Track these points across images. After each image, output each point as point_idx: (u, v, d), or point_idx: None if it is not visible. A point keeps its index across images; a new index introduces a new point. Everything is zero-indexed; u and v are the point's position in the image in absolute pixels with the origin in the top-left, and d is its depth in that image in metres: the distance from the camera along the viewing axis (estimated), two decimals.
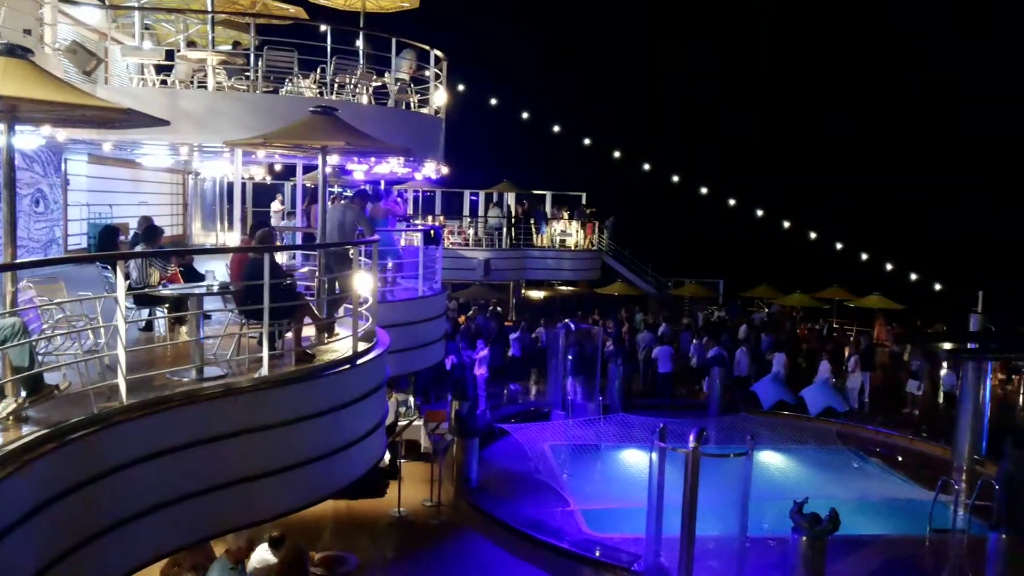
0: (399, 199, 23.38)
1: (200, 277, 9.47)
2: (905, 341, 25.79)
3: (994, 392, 20.65)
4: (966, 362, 16.79)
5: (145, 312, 8.66)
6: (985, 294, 21.12)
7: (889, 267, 33.04)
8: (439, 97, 15.86)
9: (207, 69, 12.92)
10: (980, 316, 18.57)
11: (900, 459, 17.96)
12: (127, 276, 7.17)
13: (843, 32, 64.70)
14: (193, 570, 8.72)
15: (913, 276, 32.28)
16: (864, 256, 33.92)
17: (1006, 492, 11.23)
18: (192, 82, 13.45)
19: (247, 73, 13.38)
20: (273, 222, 19.56)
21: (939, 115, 60.27)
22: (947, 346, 17.98)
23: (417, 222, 28.34)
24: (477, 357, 20.29)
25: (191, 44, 15.14)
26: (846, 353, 24.37)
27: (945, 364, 21.27)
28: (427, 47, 15.03)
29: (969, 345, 17.56)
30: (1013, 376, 26.19)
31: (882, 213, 55.50)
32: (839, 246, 34.68)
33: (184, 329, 8.29)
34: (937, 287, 31.00)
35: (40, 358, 6.16)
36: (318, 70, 14.00)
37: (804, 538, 10.44)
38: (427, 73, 15.51)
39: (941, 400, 22.30)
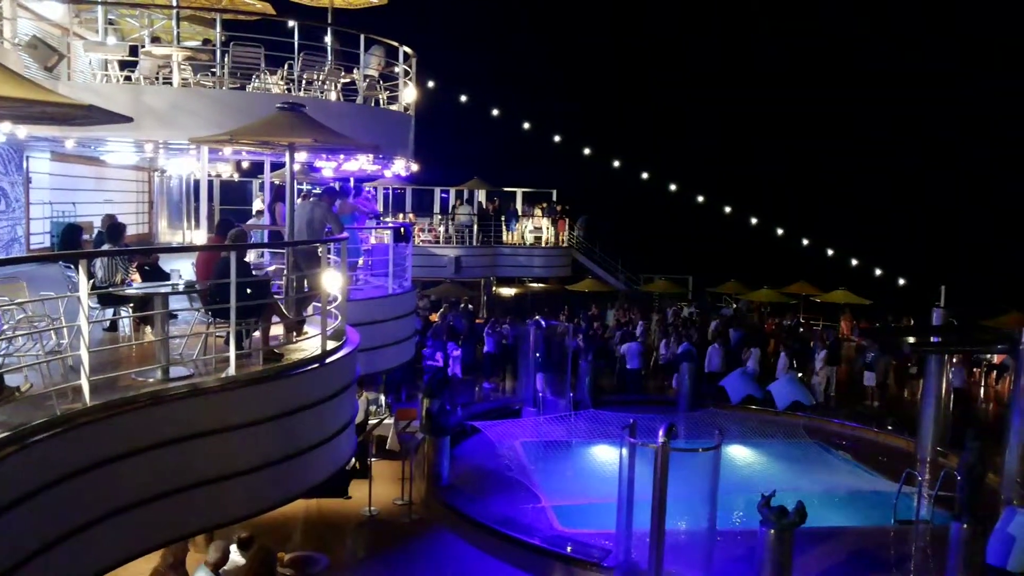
0: (369, 195, 23.29)
1: (165, 276, 9.36)
2: (869, 335, 26.18)
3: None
4: (929, 355, 17.08)
5: (109, 312, 8.55)
6: (948, 289, 21.53)
7: (855, 262, 33.60)
8: (408, 94, 15.80)
9: (172, 65, 12.75)
10: (943, 310, 18.90)
11: (865, 452, 18.23)
12: (90, 275, 7.08)
13: (814, 29, 65.42)
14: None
15: (878, 271, 32.86)
16: (830, 252, 34.47)
17: (967, 483, 11.44)
18: (157, 78, 13.26)
19: (213, 69, 13.23)
20: (253, 221, 19.38)
21: (903, 111, 61.19)
22: (910, 340, 18.27)
23: (387, 220, 28.25)
24: (453, 355, 20.29)
25: (156, 40, 14.93)
26: (813, 347, 24.67)
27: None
28: (396, 43, 14.96)
29: (932, 339, 17.87)
30: (974, 369, 26.72)
31: (848, 210, 56.21)
32: (805, 242, 35.19)
33: (149, 329, 8.19)
34: (901, 282, 31.56)
35: (1, 359, 6.06)
36: (285, 66, 13.88)
37: (772, 531, 10.56)
38: (396, 70, 15.44)
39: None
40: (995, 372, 25.13)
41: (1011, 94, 53.52)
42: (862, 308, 31.91)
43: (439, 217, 32.59)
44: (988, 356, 25.21)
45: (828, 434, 19.33)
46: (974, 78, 59.60)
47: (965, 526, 11.00)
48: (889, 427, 19.86)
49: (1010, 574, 11.11)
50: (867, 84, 63.33)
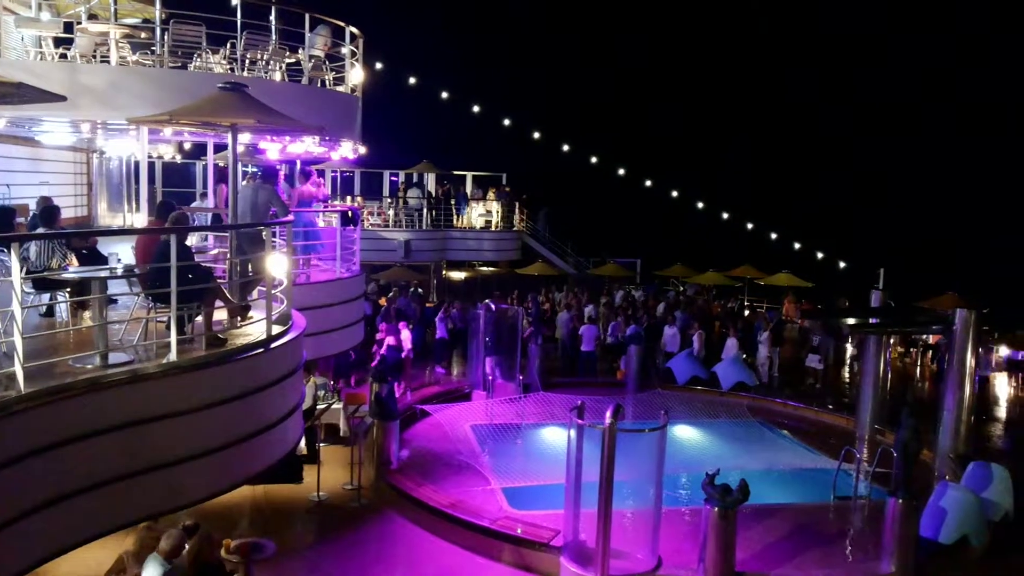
0: (320, 180, 22.99)
1: (104, 260, 9.13)
2: (811, 317, 26.83)
3: (893, 364, 21.74)
4: (868, 336, 17.57)
5: (46, 297, 8.32)
6: (886, 271, 22.16)
7: (797, 246, 34.35)
8: (355, 75, 15.61)
9: (110, 43, 12.39)
10: (881, 292, 19.44)
11: (807, 431, 18.70)
12: (24, 259, 6.87)
13: (767, 23, 66.30)
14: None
15: (820, 255, 33.64)
16: (773, 235, 35.16)
17: (902, 459, 11.82)
18: (94, 56, 12.87)
19: (153, 48, 12.90)
20: (197, 204, 18.97)
21: (846, 105, 62.55)
22: (850, 321, 18.75)
23: (335, 203, 27.92)
24: (402, 340, 20.18)
25: (93, 17, 14.47)
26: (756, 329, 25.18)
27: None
28: (342, 23, 14.74)
29: (870, 320, 18.37)
30: (911, 349, 27.60)
31: (789, 193, 57.28)
32: (750, 226, 35.82)
33: (87, 314, 8.00)
34: (842, 265, 32.37)
35: None
36: (228, 45, 13.59)
37: (716, 508, 10.78)
38: (342, 50, 15.22)
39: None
40: (931, 352, 25.98)
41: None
42: (805, 290, 32.64)
43: (388, 200, 32.35)
44: (924, 336, 26.03)
45: (771, 414, 19.78)
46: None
47: (900, 501, 11.36)
48: (829, 406, 20.42)
49: (942, 546, 11.58)
50: (815, 73, 64.48)
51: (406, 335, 20.08)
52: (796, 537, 12.51)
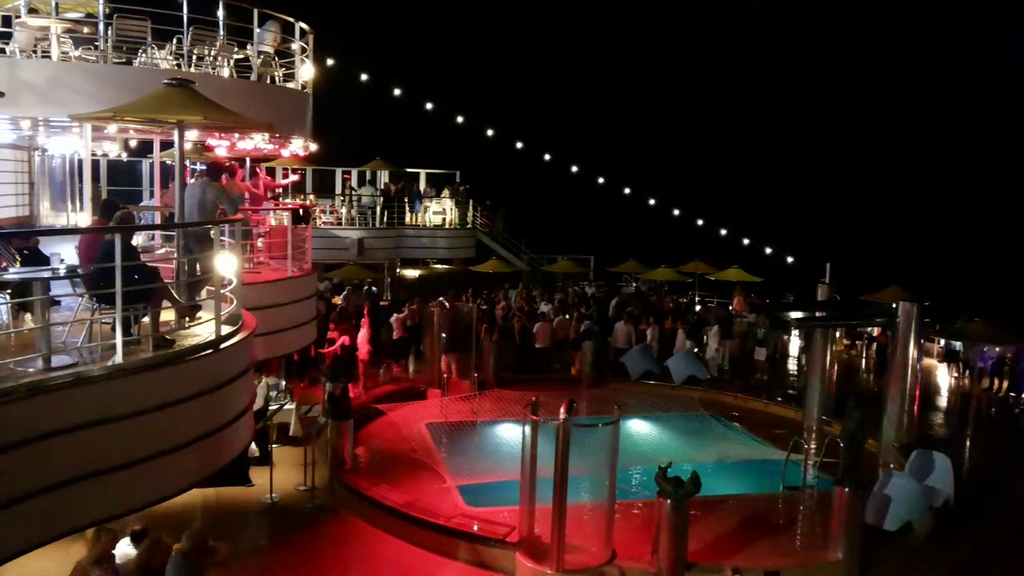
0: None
1: (46, 260, 8.91)
2: (760, 311, 27.33)
3: (839, 357, 22.25)
4: (814, 329, 17.95)
5: None
6: (832, 266, 22.68)
7: (746, 241, 34.92)
8: (306, 71, 15.42)
9: (51, 38, 12.07)
10: (827, 286, 19.89)
11: (756, 422, 19.06)
12: None
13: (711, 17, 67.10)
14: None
15: (768, 250, 34.26)
16: (723, 231, 35.70)
17: (849, 449, 12.12)
18: (35, 51, 12.52)
19: (96, 43, 12.59)
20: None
21: (790, 97, 63.64)
22: (796, 314, 19.14)
23: (287, 200, 27.57)
24: (356, 339, 20.03)
25: (33, 11, 14.06)
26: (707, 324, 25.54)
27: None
28: (292, 19, 14.56)
29: (816, 313, 18.78)
30: (857, 342, 28.27)
31: (739, 190, 58.15)
32: (700, 222, 36.32)
33: (29, 316, 7.79)
34: (790, 260, 33.03)
35: None
36: (174, 41, 13.33)
37: (668, 501, 10.94)
38: (293, 47, 15.04)
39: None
40: (875, 345, 26.63)
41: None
42: (754, 285, 33.19)
43: (341, 198, 32.06)
44: (869, 329, 26.70)
45: (722, 406, 20.12)
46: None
47: (847, 490, 11.66)
48: (778, 399, 20.83)
49: (887, 532, 11.91)
50: (760, 65, 65.48)
51: (363, 334, 19.96)
52: (747, 527, 12.76)
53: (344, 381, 16.13)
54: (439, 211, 31.98)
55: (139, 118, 9.28)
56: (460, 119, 36.24)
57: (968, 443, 17.71)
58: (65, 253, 9.95)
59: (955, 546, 12.56)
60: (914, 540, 12.18)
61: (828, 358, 18.28)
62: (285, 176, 27.33)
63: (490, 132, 36.58)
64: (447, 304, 21.56)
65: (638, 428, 17.76)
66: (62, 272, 7.67)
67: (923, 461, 12.89)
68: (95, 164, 19.12)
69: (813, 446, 16.24)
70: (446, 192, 33.17)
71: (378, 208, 30.38)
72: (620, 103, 66.11)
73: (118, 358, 6.77)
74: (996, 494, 15.25)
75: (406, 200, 31.15)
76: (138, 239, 12.32)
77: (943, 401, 22.49)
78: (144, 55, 13.09)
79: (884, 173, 58.50)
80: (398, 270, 36.10)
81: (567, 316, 25.04)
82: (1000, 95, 58.66)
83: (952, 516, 12.78)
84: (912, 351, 15.92)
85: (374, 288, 31.17)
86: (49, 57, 12.14)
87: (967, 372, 23.52)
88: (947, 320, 23.86)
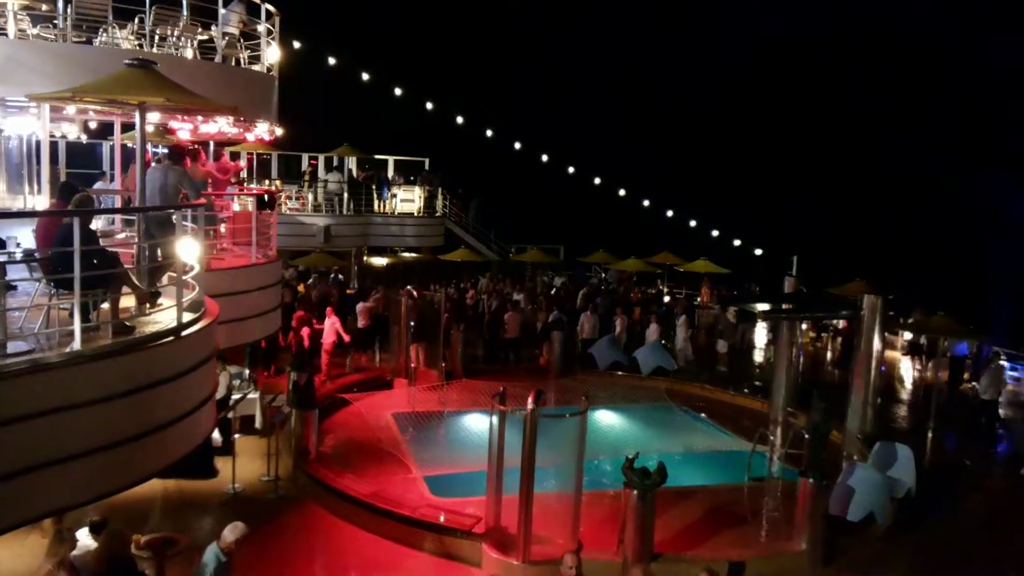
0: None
1: (2, 244, 8.63)
2: (728, 303, 27.54)
3: (805, 349, 22.50)
4: (780, 321, 18.07)
5: None
6: (799, 259, 22.89)
7: (715, 233, 35.17)
8: (271, 54, 15.16)
9: (7, 15, 11.70)
10: (793, 278, 20.06)
11: (724, 413, 19.20)
12: None
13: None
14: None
15: (736, 242, 34.53)
16: (692, 223, 35.91)
17: (813, 441, 12.23)
18: None
19: (55, 21, 12.24)
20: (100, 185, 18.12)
21: (759, 90, 64.17)
22: (762, 306, 19.27)
23: (252, 186, 27.19)
24: (322, 327, 19.84)
25: None
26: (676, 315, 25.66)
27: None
28: (258, 0, 14.28)
29: (782, 305, 18.92)
30: (822, 334, 28.61)
31: (709, 182, 58.52)
32: (670, 213, 36.49)
33: None
34: (758, 252, 33.32)
35: None
36: (136, 20, 13.00)
37: (635, 491, 10.95)
38: (258, 28, 14.75)
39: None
40: (840, 337, 26.96)
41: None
42: (721, 277, 33.46)
43: (307, 184, 31.64)
44: (834, 322, 27.00)
45: (689, 398, 20.24)
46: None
47: (811, 481, 11.77)
48: (745, 390, 21.00)
49: (850, 523, 12.05)
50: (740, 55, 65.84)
51: (330, 323, 19.77)
52: (712, 518, 12.83)
53: (309, 370, 15.94)
54: (409, 199, 31.68)
55: (99, 99, 9.02)
56: (430, 106, 35.95)
57: (930, 434, 17.98)
58: (22, 237, 9.68)
59: (914, 536, 12.77)
60: (876, 531, 12.35)
61: (794, 350, 18.43)
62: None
63: (460, 120, 36.35)
64: (414, 293, 21.39)
65: (605, 419, 17.78)
66: (19, 256, 7.42)
67: (886, 452, 13.06)
68: (53, 146, 18.60)
69: (779, 437, 16.37)
70: (419, 187, 32.74)
71: (345, 195, 30.03)
72: (591, 93, 66.16)
73: (76, 345, 6.58)
74: (957, 484, 15.55)
75: (374, 187, 30.81)
76: (98, 223, 12.01)
77: (906, 393, 22.83)
78: (105, 34, 12.77)
79: (851, 169, 59.19)
80: (365, 258, 35.80)
81: (536, 306, 25.04)
82: (965, 97, 59.73)
83: (912, 506, 12.99)
84: (876, 343, 16.10)
85: (340, 276, 30.88)
86: (6, 35, 11.78)
87: (929, 364, 23.86)
88: (906, 314, 24.21)
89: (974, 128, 57.42)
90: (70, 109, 12.22)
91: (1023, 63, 53.27)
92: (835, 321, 26.64)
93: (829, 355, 27.09)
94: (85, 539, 8.94)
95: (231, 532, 8.03)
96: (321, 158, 33.50)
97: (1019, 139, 51.25)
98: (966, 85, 59.66)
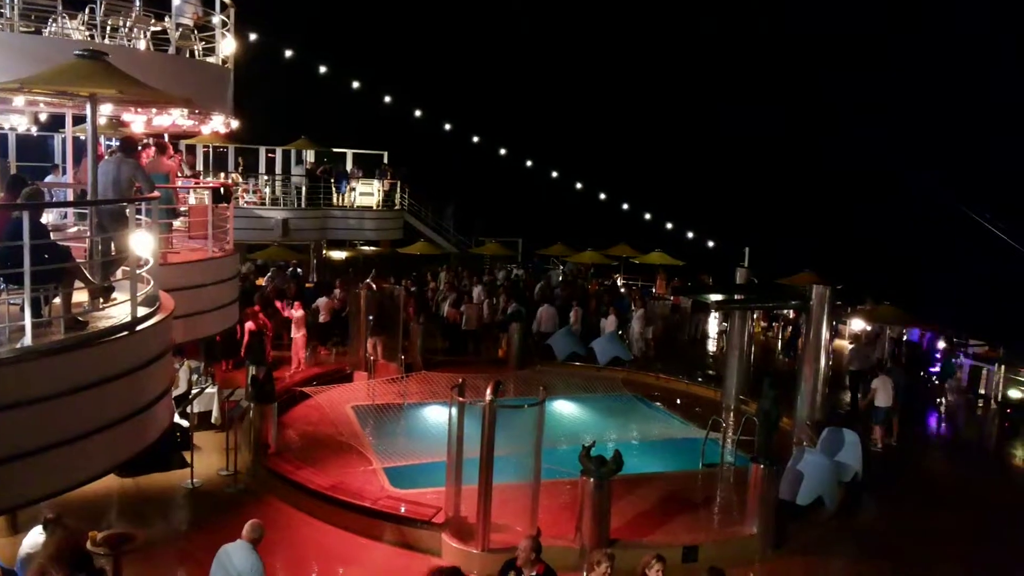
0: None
1: None
2: (682, 293, 27.98)
3: (756, 338, 22.95)
4: (733, 311, 18.48)
5: None
6: (751, 250, 23.32)
7: (669, 226, 35.64)
8: (227, 46, 15.00)
9: None
10: (745, 270, 20.47)
11: (678, 401, 19.55)
12: None
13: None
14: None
15: (690, 234, 35.03)
16: (647, 216, 36.32)
17: (764, 427, 12.55)
18: None
19: (2, 10, 11.99)
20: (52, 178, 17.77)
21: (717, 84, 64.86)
22: (715, 297, 19.64)
23: (208, 179, 26.84)
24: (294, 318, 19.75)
25: None
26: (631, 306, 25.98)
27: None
28: None
29: (734, 296, 19.31)
30: (773, 324, 29.19)
31: (664, 176, 59.06)
32: (625, 206, 36.86)
33: None
34: (711, 244, 33.84)
35: None
36: (87, 10, 12.79)
37: (591, 479, 11.15)
38: (213, 20, 14.59)
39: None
40: (791, 327, 27.53)
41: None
42: (676, 268, 33.93)
43: (265, 177, 31.33)
44: (785, 312, 27.55)
45: (645, 387, 20.56)
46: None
47: (762, 467, 12.08)
48: (699, 379, 21.39)
49: (799, 507, 12.40)
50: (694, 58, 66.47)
51: (299, 316, 19.71)
52: (667, 504, 13.10)
53: (267, 364, 15.88)
54: (367, 192, 31.52)
55: (48, 90, 8.90)
56: (388, 99, 35.79)
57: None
58: None
59: (861, 518, 13.19)
60: (824, 515, 12.72)
61: (746, 339, 18.85)
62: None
63: (418, 113, 36.26)
64: (373, 286, 21.38)
65: (563, 408, 18.00)
66: None
67: (834, 438, 13.45)
68: (2, 138, 18.30)
69: (731, 424, 16.75)
70: (378, 181, 32.51)
71: (303, 188, 29.80)
72: (547, 87, 66.22)
73: (27, 340, 6.53)
74: (904, 469, 16.07)
75: (332, 181, 30.61)
76: (49, 217, 11.82)
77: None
78: (54, 24, 12.54)
79: (800, 164, 60.23)
80: (324, 251, 35.59)
81: (494, 299, 25.16)
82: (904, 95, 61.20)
83: (858, 490, 13.41)
84: (824, 332, 16.53)
85: (299, 270, 30.67)
86: None
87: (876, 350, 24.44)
88: (855, 304, 24.83)
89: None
90: (19, 101, 11.98)
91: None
92: (786, 311, 27.20)
93: (779, 344, 27.64)
94: (37, 537, 8.83)
95: (254, 529, 8.13)
96: (279, 151, 33.17)
97: None
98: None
